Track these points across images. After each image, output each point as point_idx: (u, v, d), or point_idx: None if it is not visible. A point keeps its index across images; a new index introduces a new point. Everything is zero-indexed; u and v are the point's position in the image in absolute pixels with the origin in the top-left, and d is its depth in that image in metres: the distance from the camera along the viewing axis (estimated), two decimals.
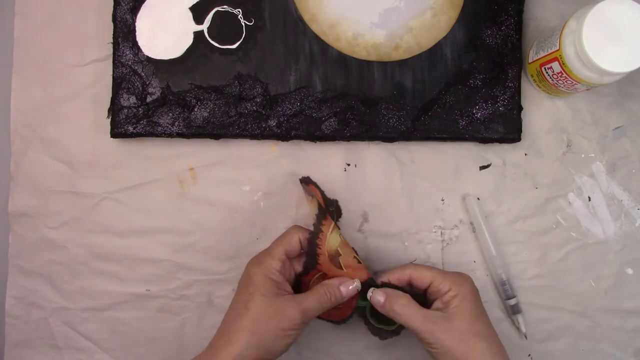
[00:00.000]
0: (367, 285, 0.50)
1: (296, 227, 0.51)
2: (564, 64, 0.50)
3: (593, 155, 0.58)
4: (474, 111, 0.55)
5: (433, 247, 0.57)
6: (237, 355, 0.45)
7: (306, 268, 0.51)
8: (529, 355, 0.57)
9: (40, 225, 0.57)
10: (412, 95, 0.55)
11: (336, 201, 0.54)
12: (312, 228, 0.50)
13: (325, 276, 0.51)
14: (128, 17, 0.55)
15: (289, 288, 0.49)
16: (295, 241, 0.50)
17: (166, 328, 0.57)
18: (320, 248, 0.50)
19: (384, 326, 0.52)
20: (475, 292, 0.48)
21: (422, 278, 0.49)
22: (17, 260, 0.57)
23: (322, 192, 0.53)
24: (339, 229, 0.51)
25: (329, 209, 0.52)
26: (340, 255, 0.50)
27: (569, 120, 0.58)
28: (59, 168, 0.57)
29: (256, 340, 0.45)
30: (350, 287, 0.49)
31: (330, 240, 0.50)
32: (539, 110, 0.58)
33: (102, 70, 0.57)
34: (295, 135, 0.55)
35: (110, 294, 0.57)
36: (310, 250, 0.50)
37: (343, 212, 0.54)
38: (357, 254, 0.51)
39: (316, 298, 0.48)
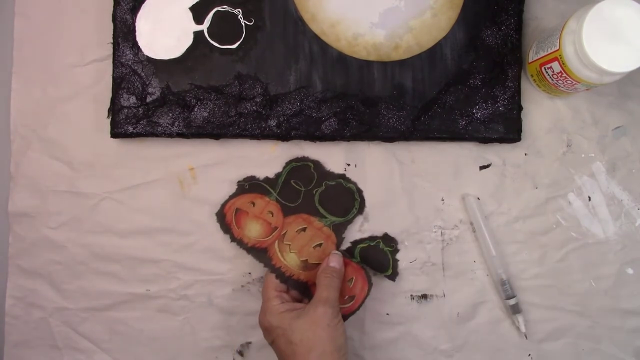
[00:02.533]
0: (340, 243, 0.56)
1: (267, 272, 0.54)
2: (564, 63, 0.50)
3: (593, 155, 0.58)
4: (474, 111, 0.55)
5: (433, 247, 0.57)
6: None
7: (305, 291, 0.55)
8: (529, 355, 0.57)
9: (40, 225, 0.57)
10: (412, 95, 0.55)
11: (251, 177, 0.56)
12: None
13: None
14: (128, 17, 0.55)
15: (300, 305, 0.51)
16: (275, 279, 0.53)
17: (166, 328, 0.57)
18: (294, 275, 0.54)
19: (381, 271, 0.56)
20: None
21: None
22: (17, 260, 0.57)
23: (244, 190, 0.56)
24: (284, 235, 0.55)
25: (244, 188, 0.56)
26: (306, 259, 0.55)
27: (569, 120, 0.58)
28: (59, 168, 0.57)
29: (320, 351, 0.47)
30: (336, 258, 0.53)
31: (290, 263, 0.54)
32: (539, 110, 0.58)
33: (102, 70, 0.57)
34: (295, 135, 0.55)
35: (110, 294, 0.57)
36: (292, 285, 0.54)
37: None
38: (314, 241, 0.55)
39: (324, 286, 0.51)
